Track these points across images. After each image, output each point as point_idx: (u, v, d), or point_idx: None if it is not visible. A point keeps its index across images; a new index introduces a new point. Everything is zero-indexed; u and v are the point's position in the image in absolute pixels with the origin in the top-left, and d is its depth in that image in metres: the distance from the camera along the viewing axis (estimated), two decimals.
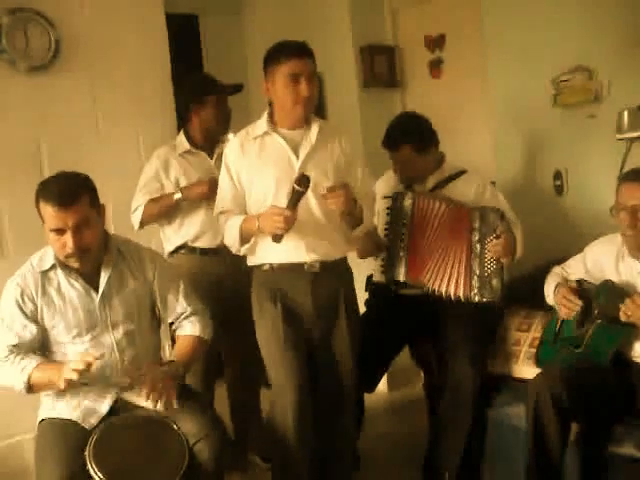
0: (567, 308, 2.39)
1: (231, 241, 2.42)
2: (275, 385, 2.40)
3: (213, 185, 2.81)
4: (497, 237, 2.56)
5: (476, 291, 2.62)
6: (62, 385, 2.02)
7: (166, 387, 2.06)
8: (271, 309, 2.38)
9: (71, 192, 2.09)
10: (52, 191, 2.09)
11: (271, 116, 2.40)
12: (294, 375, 2.33)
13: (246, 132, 2.43)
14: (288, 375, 2.33)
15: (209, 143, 2.98)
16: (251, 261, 2.47)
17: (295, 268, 2.37)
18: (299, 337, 2.38)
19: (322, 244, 2.37)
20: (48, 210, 2.08)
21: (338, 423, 2.49)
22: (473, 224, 2.62)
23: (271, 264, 2.39)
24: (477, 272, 2.62)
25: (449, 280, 2.65)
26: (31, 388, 2.13)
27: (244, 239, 2.39)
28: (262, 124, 2.40)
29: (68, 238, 2.08)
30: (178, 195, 2.85)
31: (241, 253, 2.45)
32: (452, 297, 2.64)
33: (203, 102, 2.94)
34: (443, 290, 2.65)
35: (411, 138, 2.73)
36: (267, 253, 2.38)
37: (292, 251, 2.34)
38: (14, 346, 2.16)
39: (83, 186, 2.14)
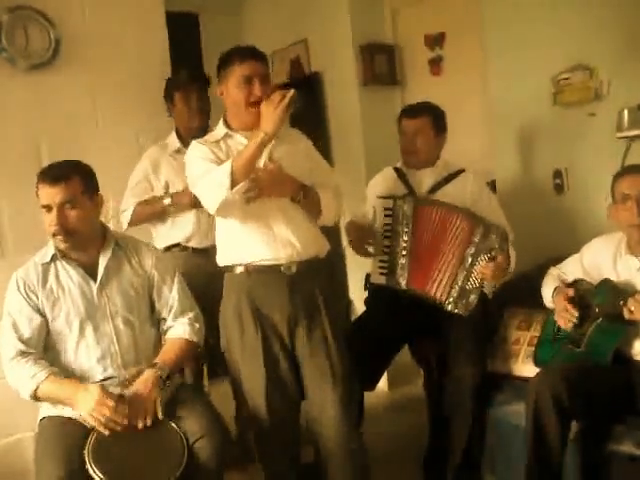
0: (565, 319, 2.41)
1: (215, 186, 2.17)
2: (251, 405, 2.36)
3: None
4: (492, 259, 2.56)
5: (452, 300, 2.64)
6: (95, 423, 2.04)
7: (146, 406, 2.08)
8: (252, 332, 2.31)
9: (62, 172, 2.17)
10: (46, 170, 2.21)
11: (226, 121, 2.37)
12: (274, 404, 2.32)
13: (204, 139, 2.39)
14: (268, 405, 2.32)
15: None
16: (224, 260, 2.38)
17: (272, 270, 2.31)
18: (283, 354, 2.34)
19: (298, 235, 2.32)
20: (40, 188, 2.16)
21: (339, 434, 2.37)
22: (473, 237, 2.61)
23: (246, 265, 2.32)
24: (459, 283, 2.63)
25: (433, 280, 2.67)
26: (37, 398, 2.15)
27: (239, 174, 2.15)
28: (220, 129, 2.37)
29: (53, 215, 2.14)
30: (167, 201, 2.87)
31: (229, 196, 2.17)
32: (429, 296, 2.67)
33: (173, 100, 3.00)
34: (427, 289, 2.67)
35: (433, 111, 2.83)
36: (242, 251, 2.32)
37: (268, 245, 2.29)
38: (24, 343, 2.17)
39: (77, 170, 2.21)
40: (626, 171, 2.39)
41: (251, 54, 2.30)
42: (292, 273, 2.32)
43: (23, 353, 2.17)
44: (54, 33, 3.08)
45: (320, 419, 2.36)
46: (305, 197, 2.32)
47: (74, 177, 2.17)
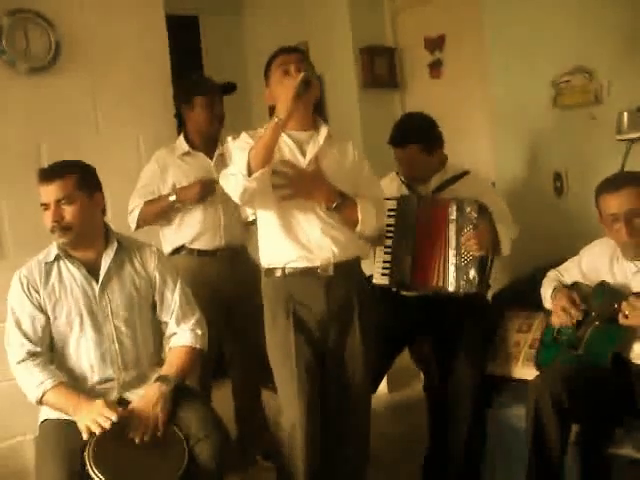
0: (560, 319, 2.41)
1: (235, 176, 2.16)
2: (282, 396, 2.35)
3: (205, 186, 2.82)
4: (474, 228, 2.57)
5: (452, 281, 2.62)
6: (85, 436, 2.04)
7: (148, 424, 2.08)
8: (284, 323, 2.31)
9: (58, 170, 2.22)
10: (44, 169, 2.25)
11: None
12: (304, 392, 2.28)
13: (254, 132, 2.32)
14: (298, 392, 2.28)
15: (207, 144, 2.98)
16: (264, 261, 2.37)
17: (309, 272, 2.29)
18: (312, 349, 2.32)
19: (334, 238, 2.30)
20: (39, 186, 2.20)
21: (349, 425, 2.43)
22: (450, 216, 2.63)
23: (283, 268, 2.30)
24: (454, 262, 2.62)
25: (434, 273, 2.65)
26: (42, 404, 2.16)
27: (256, 161, 2.12)
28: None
29: (50, 212, 2.17)
30: (173, 197, 2.87)
31: (247, 184, 2.14)
32: (433, 289, 2.66)
33: (191, 104, 2.96)
34: (431, 284, 2.66)
35: (419, 137, 2.72)
36: (280, 253, 2.30)
37: (303, 248, 2.28)
38: (30, 341, 2.17)
39: (73, 167, 2.24)
40: (608, 187, 2.32)
41: (284, 49, 2.35)
42: (328, 275, 2.30)
43: (32, 354, 2.17)
44: (54, 35, 3.08)
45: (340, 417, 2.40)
46: (340, 206, 2.28)
47: (70, 174, 2.20)
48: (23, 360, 2.16)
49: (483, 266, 2.61)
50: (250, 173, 2.13)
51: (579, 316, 2.37)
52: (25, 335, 2.18)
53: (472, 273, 2.59)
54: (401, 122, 2.85)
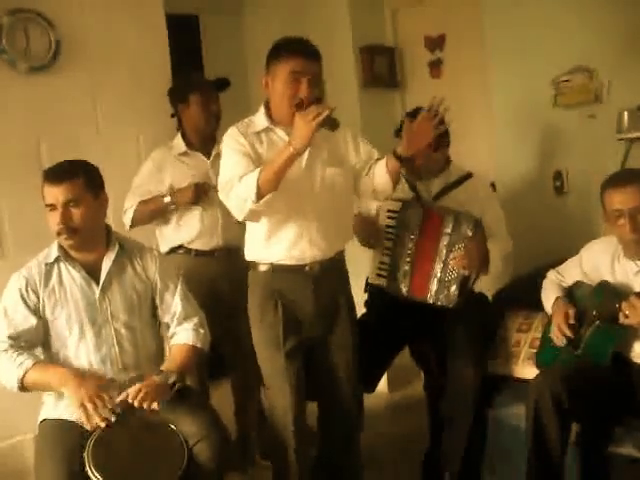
0: (557, 338, 2.41)
1: (241, 199, 2.13)
2: (272, 388, 2.37)
3: (199, 190, 2.82)
4: (465, 247, 2.56)
5: (432, 293, 2.63)
6: (88, 424, 2.03)
7: (149, 394, 2.08)
8: (272, 317, 2.32)
9: (65, 171, 2.19)
10: (50, 170, 2.22)
11: (268, 112, 2.31)
12: (292, 384, 2.32)
13: (246, 125, 2.30)
14: (289, 383, 2.31)
15: (204, 143, 2.98)
16: (252, 255, 2.37)
17: (296, 270, 2.31)
18: (299, 343, 2.34)
19: (326, 235, 2.31)
20: (45, 187, 2.18)
21: (342, 428, 2.47)
22: (445, 229, 2.62)
23: (272, 264, 2.32)
24: (438, 275, 2.63)
25: (419, 281, 2.66)
26: (25, 387, 2.12)
27: (266, 187, 2.09)
28: (261, 120, 2.31)
29: (57, 214, 2.15)
30: (168, 199, 2.86)
31: (254, 208, 2.13)
32: (411, 295, 2.66)
33: (187, 102, 2.95)
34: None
35: None
36: (268, 250, 2.31)
37: (295, 246, 2.29)
38: (14, 339, 2.16)
39: (81, 168, 2.22)
40: (614, 183, 2.32)
41: (304, 51, 2.22)
42: (315, 272, 2.32)
43: (11, 347, 2.15)
44: (54, 35, 3.09)
45: (331, 414, 2.45)
46: None
47: (78, 176, 2.18)
48: (5, 350, 2.14)
49: (465, 283, 2.63)
50: (259, 197, 2.10)
51: (569, 333, 2.38)
52: (10, 336, 2.16)
53: (453, 289, 2.60)
54: (410, 114, 2.85)
